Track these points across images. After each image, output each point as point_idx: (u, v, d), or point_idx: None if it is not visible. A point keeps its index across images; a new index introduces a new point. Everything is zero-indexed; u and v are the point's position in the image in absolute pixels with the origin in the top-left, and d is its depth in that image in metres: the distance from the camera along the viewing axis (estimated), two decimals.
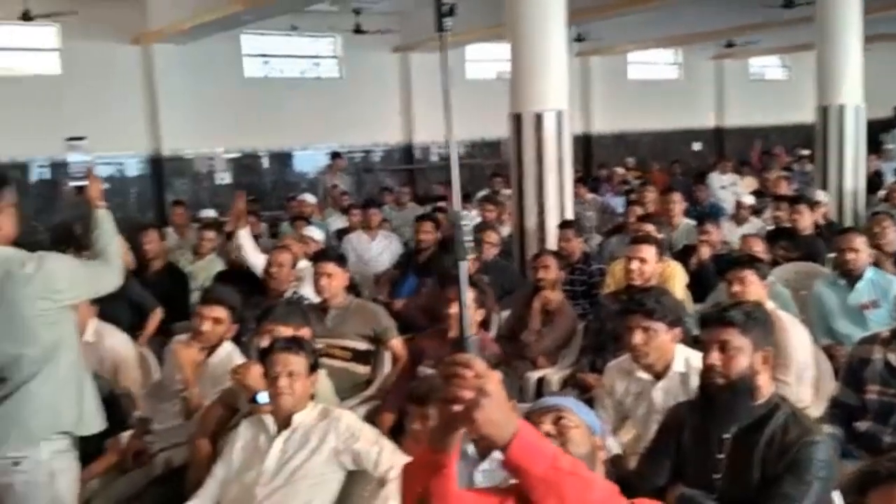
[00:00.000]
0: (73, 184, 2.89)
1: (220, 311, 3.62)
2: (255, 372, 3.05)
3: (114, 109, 10.32)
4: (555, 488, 1.38)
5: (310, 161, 12.34)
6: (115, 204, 10.33)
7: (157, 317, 5.26)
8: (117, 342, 4.21)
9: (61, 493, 2.67)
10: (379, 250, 7.10)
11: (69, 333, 2.74)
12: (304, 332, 3.37)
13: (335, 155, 11.41)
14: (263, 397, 2.95)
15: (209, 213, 8.54)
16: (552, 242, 5.84)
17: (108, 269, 2.86)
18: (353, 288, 4.83)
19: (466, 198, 9.81)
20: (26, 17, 8.79)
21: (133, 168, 10.79)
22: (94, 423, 2.81)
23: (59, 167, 10.45)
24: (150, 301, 5.26)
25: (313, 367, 2.93)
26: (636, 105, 15.29)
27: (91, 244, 2.91)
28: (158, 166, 11.02)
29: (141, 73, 10.69)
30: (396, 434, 3.23)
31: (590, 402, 3.17)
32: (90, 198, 2.96)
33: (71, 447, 2.73)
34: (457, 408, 1.36)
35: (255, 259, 5.18)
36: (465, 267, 1.54)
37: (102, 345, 4.05)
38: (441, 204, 9.00)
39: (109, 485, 3.47)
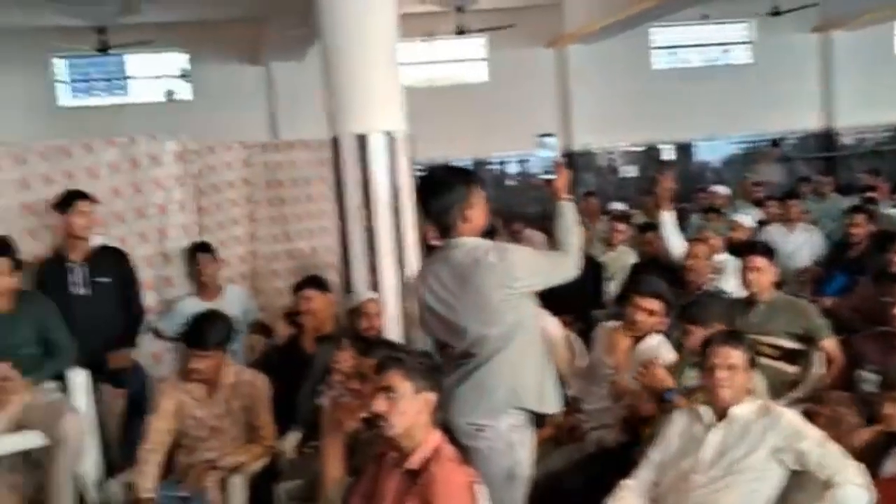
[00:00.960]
0: (542, 176, 3.19)
1: (655, 304, 3.68)
2: (660, 374, 3.12)
3: (532, 110, 11.09)
4: None
5: (714, 151, 12.01)
6: (529, 198, 11.31)
7: None
8: (549, 325, 4.50)
9: (519, 461, 2.86)
10: (798, 244, 6.69)
11: (528, 317, 2.88)
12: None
13: (774, 143, 10.84)
14: (671, 395, 3.00)
15: (619, 206, 8.78)
16: None
17: (565, 260, 2.94)
18: (776, 284, 4.63)
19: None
20: (460, 31, 9.82)
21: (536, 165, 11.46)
22: (554, 402, 2.94)
23: (480, 165, 11.53)
24: None
25: (752, 362, 2.91)
26: None
27: (553, 235, 3.05)
28: (570, 161, 11.58)
29: (555, 74, 11.33)
30: None
31: None
32: (556, 189, 3.02)
33: (527, 423, 2.86)
34: None
35: (676, 242, 4.99)
36: None
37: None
38: (870, 194, 8.14)
39: (545, 455, 3.77)
